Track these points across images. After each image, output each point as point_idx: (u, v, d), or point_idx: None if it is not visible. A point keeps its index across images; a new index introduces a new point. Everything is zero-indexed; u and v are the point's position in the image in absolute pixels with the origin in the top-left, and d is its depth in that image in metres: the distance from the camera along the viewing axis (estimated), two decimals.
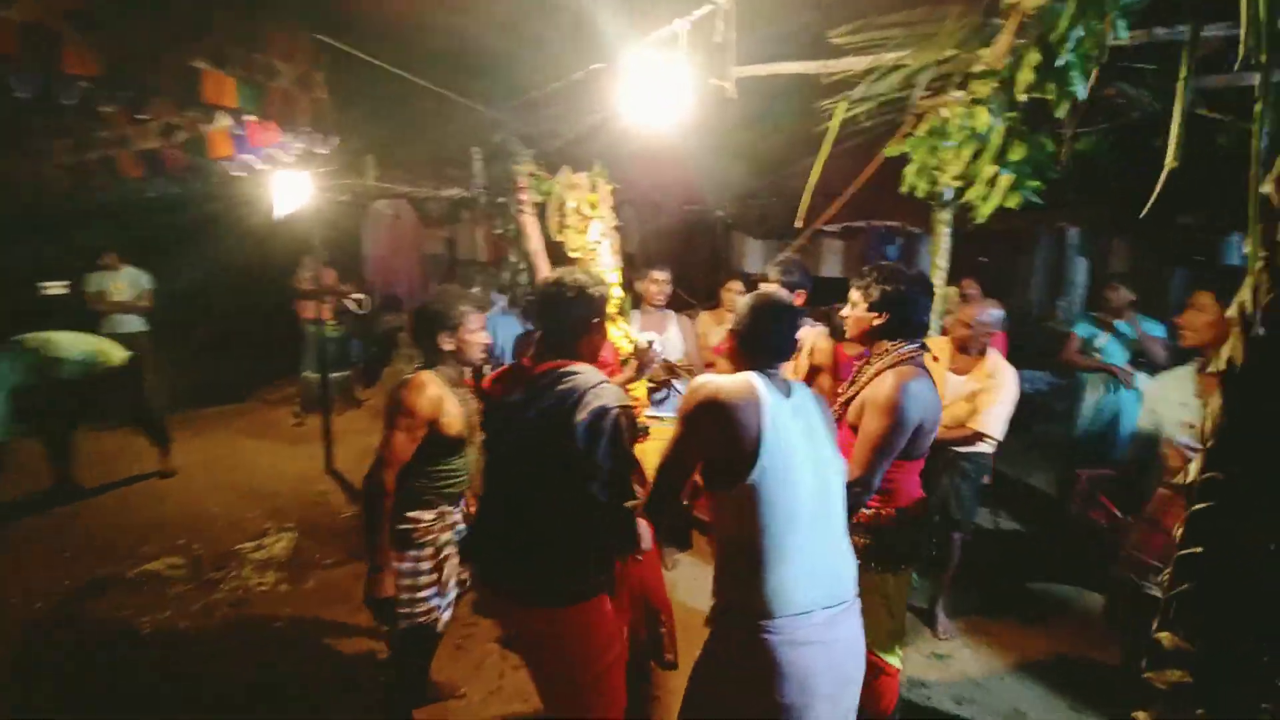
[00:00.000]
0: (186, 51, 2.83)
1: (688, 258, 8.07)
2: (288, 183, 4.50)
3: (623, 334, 2.57)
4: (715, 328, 3.79)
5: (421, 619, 2.09)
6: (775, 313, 1.61)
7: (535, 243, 2.40)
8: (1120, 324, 3.94)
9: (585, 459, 1.56)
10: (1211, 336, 2.28)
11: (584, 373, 1.68)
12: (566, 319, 1.72)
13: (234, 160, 3.88)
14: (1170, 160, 0.80)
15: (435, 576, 2.12)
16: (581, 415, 1.56)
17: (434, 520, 2.12)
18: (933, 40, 2.05)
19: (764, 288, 2.24)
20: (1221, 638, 0.55)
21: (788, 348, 1.62)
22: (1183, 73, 0.76)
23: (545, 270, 2.38)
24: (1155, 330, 3.93)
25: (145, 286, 5.77)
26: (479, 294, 5.20)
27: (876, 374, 1.90)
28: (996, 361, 2.79)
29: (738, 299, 3.67)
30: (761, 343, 1.60)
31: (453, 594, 2.23)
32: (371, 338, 8.49)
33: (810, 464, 1.46)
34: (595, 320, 1.76)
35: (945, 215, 3.27)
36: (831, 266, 8.77)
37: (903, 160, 2.66)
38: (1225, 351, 0.57)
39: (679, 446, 1.50)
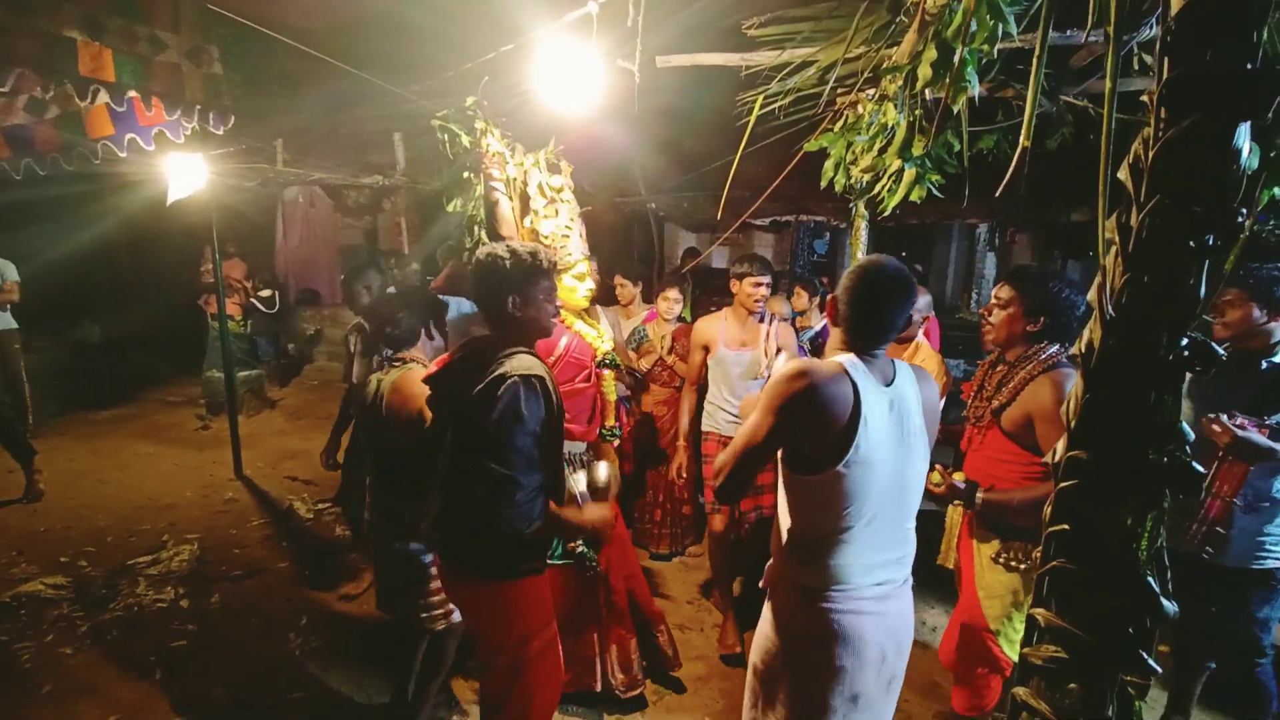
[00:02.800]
0: (53, 18, 2.53)
1: (621, 250, 8.05)
2: (181, 165, 4.13)
3: (597, 333, 2.44)
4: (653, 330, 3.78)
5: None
6: (883, 286, 1.40)
7: (508, 226, 2.26)
8: None
9: (480, 431, 1.52)
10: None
11: (495, 341, 1.62)
12: (488, 292, 1.64)
13: (117, 140, 3.52)
14: (1024, 139, 0.84)
15: None
16: (479, 386, 1.52)
17: None
18: (841, 37, 2.09)
19: (869, 260, 2.02)
20: (1090, 612, 0.58)
21: (895, 327, 1.43)
22: (1035, 66, 0.80)
23: None
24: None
25: (9, 278, 4.98)
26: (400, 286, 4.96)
27: (1031, 378, 1.87)
28: (923, 348, 2.90)
29: (675, 306, 3.72)
30: (864, 321, 1.41)
31: None
32: (288, 334, 8.01)
33: (894, 459, 1.38)
34: (529, 290, 1.64)
35: (862, 208, 3.40)
36: None
37: (826, 156, 2.72)
38: (1085, 334, 0.59)
39: (763, 432, 1.36)
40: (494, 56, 2.40)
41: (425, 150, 8.14)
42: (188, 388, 6.53)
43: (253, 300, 6.04)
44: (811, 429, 1.33)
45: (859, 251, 3.46)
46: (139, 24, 3.11)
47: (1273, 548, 1.99)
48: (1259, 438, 1.84)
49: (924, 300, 2.94)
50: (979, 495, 1.86)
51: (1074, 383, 1.77)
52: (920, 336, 2.92)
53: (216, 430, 5.47)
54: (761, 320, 2.99)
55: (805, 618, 1.43)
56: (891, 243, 8.16)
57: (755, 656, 1.57)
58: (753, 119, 2.40)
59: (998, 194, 1.28)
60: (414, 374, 1.99)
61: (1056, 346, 1.92)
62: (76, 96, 2.90)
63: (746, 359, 2.95)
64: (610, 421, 2.46)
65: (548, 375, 1.61)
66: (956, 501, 1.93)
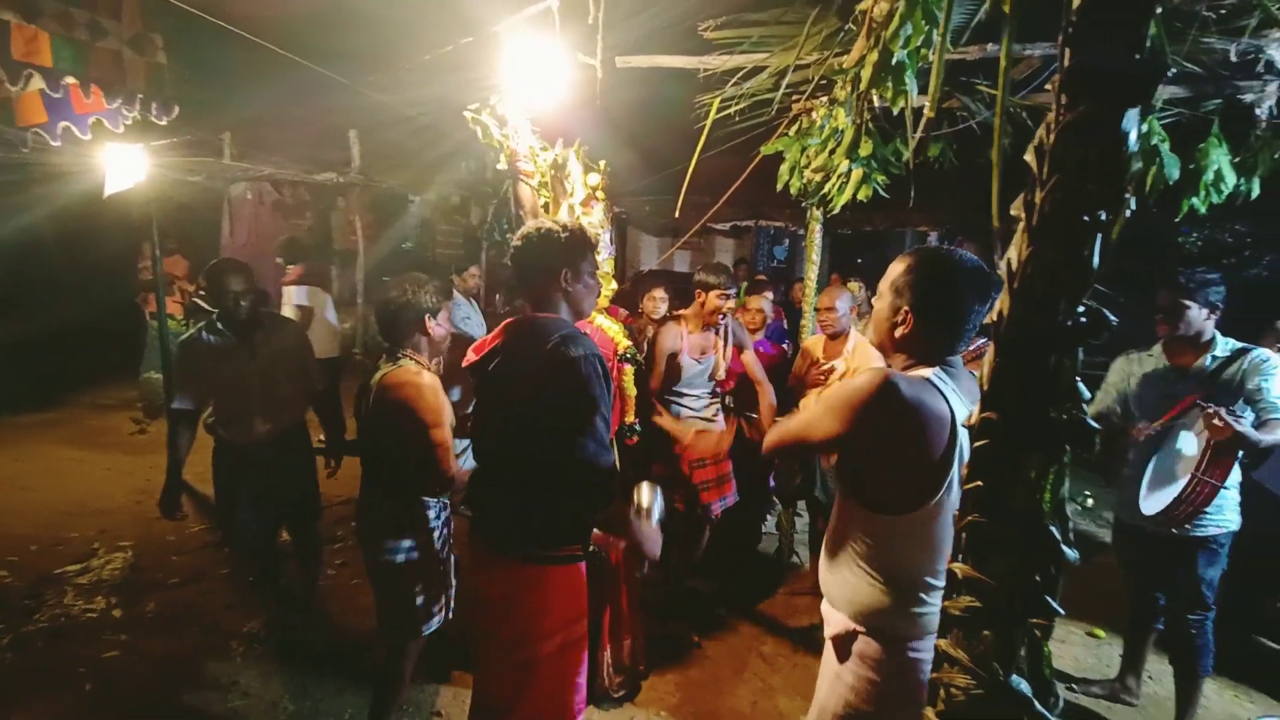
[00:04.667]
0: None
1: None
2: (120, 156, 3.94)
3: (619, 329, 2.43)
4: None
5: (439, 613, 2.10)
6: (965, 279, 1.16)
7: (534, 219, 2.19)
8: None
9: (555, 410, 1.46)
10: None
11: (552, 321, 1.57)
12: (540, 265, 1.58)
13: (50, 128, 3.35)
14: (929, 110, 0.89)
15: (445, 569, 2.12)
16: (536, 365, 1.47)
17: (438, 517, 2.13)
18: (794, 42, 2.16)
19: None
20: (1001, 563, 0.62)
21: (973, 331, 1.21)
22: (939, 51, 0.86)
23: None
24: None
25: None
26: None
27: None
28: (854, 340, 3.00)
29: (661, 305, 3.73)
30: (943, 324, 1.16)
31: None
32: None
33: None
34: (580, 265, 1.60)
35: (817, 212, 3.50)
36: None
37: (783, 160, 2.80)
38: (997, 305, 0.64)
39: (821, 433, 1.15)
40: (452, 49, 2.38)
41: (381, 146, 7.95)
42: (123, 390, 6.21)
43: (194, 300, 5.79)
44: (903, 452, 1.10)
45: (814, 255, 3.56)
46: (78, 8, 2.98)
47: (1213, 515, 2.22)
48: (1255, 433, 2.03)
49: (848, 296, 3.10)
50: None
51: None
52: (855, 332, 3.03)
53: (155, 434, 5.22)
54: (717, 332, 3.05)
55: (898, 667, 1.22)
56: (847, 249, 8.38)
57: (836, 705, 1.35)
58: (709, 121, 2.45)
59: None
60: (407, 370, 1.97)
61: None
62: (7, 81, 2.75)
63: (708, 365, 3.02)
64: (630, 418, 2.45)
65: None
66: None
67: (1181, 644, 2.36)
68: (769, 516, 3.93)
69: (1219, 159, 2.51)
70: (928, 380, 1.12)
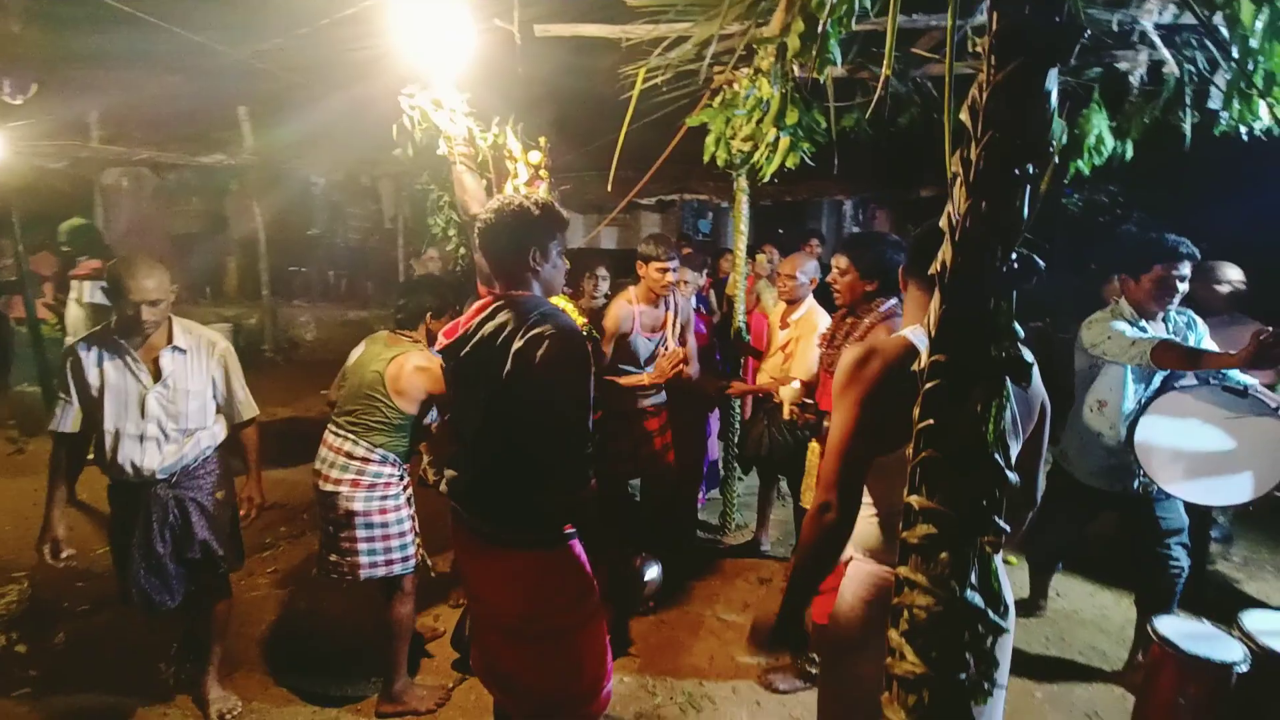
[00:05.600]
0: None
1: None
2: None
3: (573, 307, 2.38)
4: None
5: (413, 560, 2.34)
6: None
7: (478, 202, 2.06)
8: None
9: (524, 389, 1.42)
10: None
11: (529, 299, 1.52)
12: (511, 243, 1.52)
13: None
14: (886, 69, 0.93)
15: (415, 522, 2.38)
16: (518, 343, 1.42)
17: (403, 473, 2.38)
18: (716, 12, 2.18)
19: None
20: (952, 492, 0.68)
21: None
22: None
23: None
24: None
25: None
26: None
27: (870, 329, 2.13)
28: (809, 307, 3.09)
29: (603, 284, 3.70)
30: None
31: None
32: None
33: None
34: (549, 244, 1.55)
35: (743, 183, 3.57)
36: None
37: (708, 133, 2.83)
38: (940, 255, 0.69)
39: (850, 429, 1.21)
40: (354, 11, 2.23)
41: (279, 125, 7.34)
42: None
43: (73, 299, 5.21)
44: (894, 402, 1.14)
45: (741, 225, 3.64)
46: None
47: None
48: None
49: (811, 265, 3.17)
50: (825, 423, 2.15)
51: (858, 347, 2.04)
52: (810, 299, 3.14)
53: (35, 452, 4.70)
54: (666, 306, 3.08)
55: (879, 593, 1.31)
56: (770, 219, 8.59)
57: (851, 636, 1.40)
58: (635, 93, 2.44)
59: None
60: (411, 357, 2.28)
61: (893, 300, 2.22)
62: None
63: (658, 342, 3.07)
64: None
65: None
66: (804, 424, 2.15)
67: (1162, 586, 2.44)
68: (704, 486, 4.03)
69: (1099, 124, 2.75)
70: (906, 339, 1.27)
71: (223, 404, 2.29)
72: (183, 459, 2.17)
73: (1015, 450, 1.28)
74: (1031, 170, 0.62)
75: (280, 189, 8.36)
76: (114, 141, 6.87)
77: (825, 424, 2.19)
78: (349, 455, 2.26)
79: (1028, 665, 2.67)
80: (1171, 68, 2.49)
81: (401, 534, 2.31)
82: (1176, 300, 2.38)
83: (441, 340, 1.61)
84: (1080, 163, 2.87)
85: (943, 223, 0.69)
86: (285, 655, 2.69)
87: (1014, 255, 0.65)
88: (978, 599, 0.68)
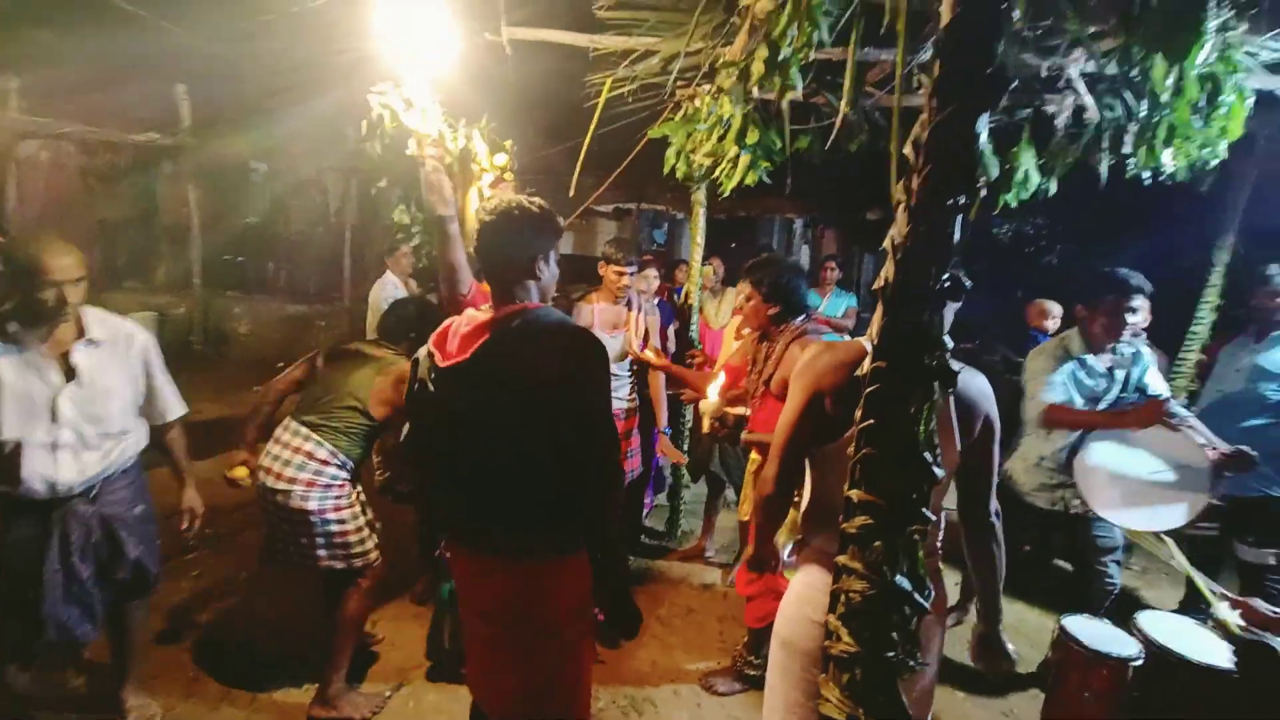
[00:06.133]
0: None
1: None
2: None
3: None
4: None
5: (374, 554, 2.30)
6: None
7: (451, 205, 1.98)
8: (833, 294, 4.95)
9: (566, 401, 1.38)
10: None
11: (543, 310, 1.47)
12: (513, 248, 1.45)
13: None
14: (845, 106, 1.02)
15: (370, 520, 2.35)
16: (556, 356, 1.38)
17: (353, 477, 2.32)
18: (683, 30, 2.26)
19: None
20: (887, 486, 0.75)
21: None
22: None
23: (452, 236, 1.98)
24: (851, 301, 5.01)
25: None
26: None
27: (785, 347, 2.21)
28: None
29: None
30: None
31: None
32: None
33: None
34: (550, 252, 1.51)
35: (700, 196, 3.68)
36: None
37: (667, 145, 2.91)
38: (884, 272, 0.76)
39: (795, 419, 1.37)
40: (324, 3, 2.19)
41: (220, 107, 7.01)
42: None
43: None
44: (843, 397, 1.29)
45: (698, 237, 3.74)
46: None
47: None
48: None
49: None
50: (743, 434, 2.26)
51: (817, 344, 2.22)
52: None
53: None
54: (629, 306, 3.17)
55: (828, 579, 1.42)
56: (723, 233, 8.80)
57: (789, 632, 1.51)
58: (601, 101, 2.49)
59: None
60: (399, 368, 2.26)
61: (800, 318, 2.35)
62: None
63: (620, 341, 3.12)
64: None
65: None
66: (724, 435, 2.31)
67: (1094, 596, 2.59)
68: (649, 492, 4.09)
69: (1028, 161, 2.98)
70: (863, 346, 1.36)
71: (143, 403, 2.06)
72: (106, 469, 1.93)
73: (951, 453, 1.37)
74: (963, 200, 0.70)
75: (218, 174, 7.97)
76: (36, 112, 6.41)
77: (744, 436, 2.28)
78: (309, 455, 2.20)
79: (951, 668, 2.83)
80: (1092, 113, 2.74)
81: (359, 529, 2.28)
82: (1126, 332, 2.54)
83: (447, 354, 1.49)
84: (1008, 196, 3.11)
85: (886, 243, 0.76)
86: (216, 659, 2.56)
87: (946, 275, 0.73)
88: (906, 583, 0.75)
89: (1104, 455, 2.44)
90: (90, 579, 1.91)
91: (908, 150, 0.73)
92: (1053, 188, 3.16)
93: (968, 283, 0.74)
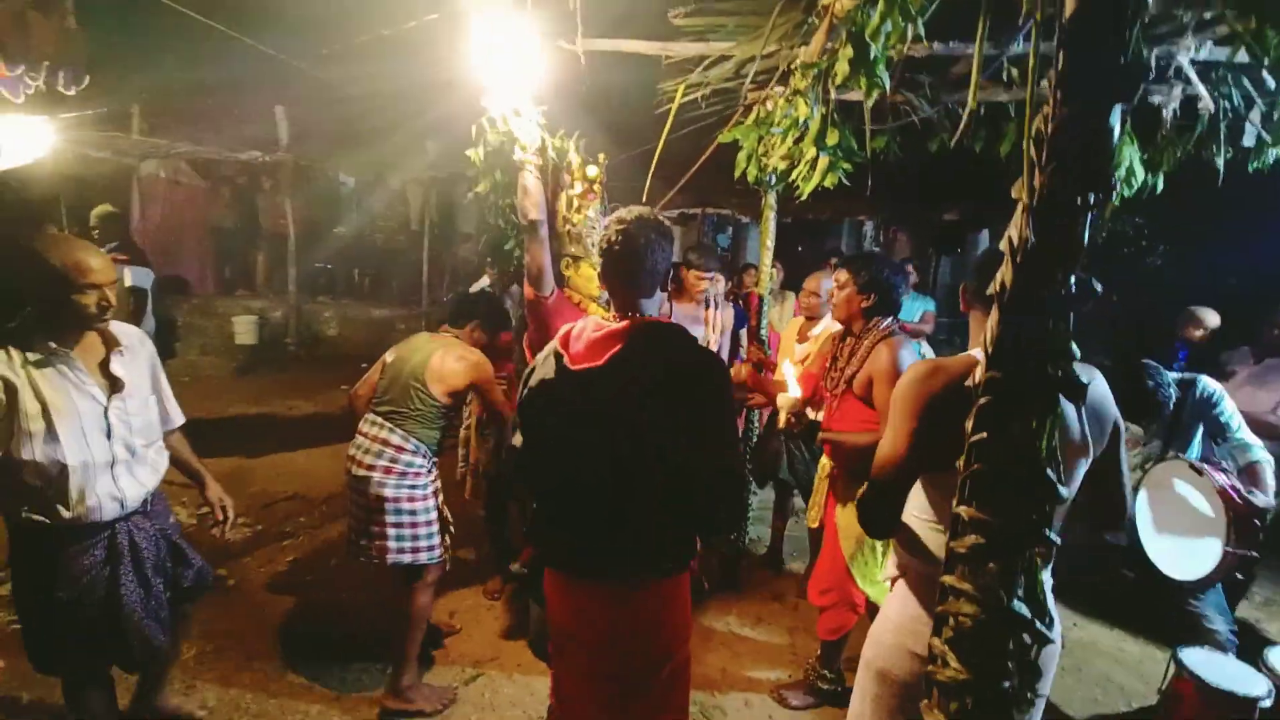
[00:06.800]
0: None
1: None
2: (19, 129, 3.58)
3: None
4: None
5: (440, 551, 2.40)
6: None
7: (537, 211, 2.09)
8: (910, 297, 4.81)
9: (697, 420, 1.37)
10: None
11: (668, 325, 1.47)
12: (643, 260, 1.44)
13: None
14: (971, 103, 0.97)
15: (438, 514, 2.43)
16: (688, 373, 1.38)
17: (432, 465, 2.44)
18: (759, 33, 2.23)
19: None
20: (1002, 504, 0.71)
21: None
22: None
23: (542, 240, 2.09)
24: (928, 305, 4.81)
25: None
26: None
27: (872, 347, 2.16)
28: (828, 324, 3.13)
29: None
30: None
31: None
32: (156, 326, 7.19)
33: None
34: (668, 262, 1.51)
35: (771, 200, 3.62)
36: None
37: (734, 153, 2.88)
38: (999, 276, 0.72)
39: (905, 440, 1.24)
40: (415, 25, 2.30)
41: (314, 125, 7.50)
42: None
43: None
44: (955, 418, 1.21)
45: (768, 240, 3.67)
46: None
47: None
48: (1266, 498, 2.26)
49: (831, 282, 3.21)
50: (820, 433, 2.17)
51: (905, 348, 2.12)
52: (829, 315, 3.16)
53: None
54: (706, 305, 3.30)
55: (933, 595, 1.33)
56: (790, 237, 8.64)
57: (884, 662, 1.43)
58: (674, 107, 2.49)
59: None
60: (454, 348, 2.42)
61: (890, 319, 2.26)
62: None
63: (698, 336, 3.18)
64: None
65: None
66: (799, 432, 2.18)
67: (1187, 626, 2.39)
68: None
69: (1131, 155, 2.76)
70: (973, 358, 1.25)
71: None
72: (158, 479, 1.87)
73: (1084, 463, 1.28)
74: (1094, 199, 0.66)
75: (311, 187, 8.55)
76: (152, 133, 7.07)
77: (821, 434, 2.21)
78: (384, 443, 2.32)
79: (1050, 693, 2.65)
80: (1206, 103, 2.51)
81: (429, 523, 2.36)
82: None
83: (577, 359, 1.47)
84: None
85: (1003, 245, 0.72)
86: (299, 644, 2.73)
87: (1073, 279, 0.68)
88: (1024, 609, 0.70)
89: (1153, 497, 2.35)
90: (161, 590, 1.88)
91: (1028, 145, 0.69)
92: (1159, 184, 2.92)
93: (1099, 287, 0.69)
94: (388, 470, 2.30)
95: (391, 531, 2.30)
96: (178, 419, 2.03)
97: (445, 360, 2.37)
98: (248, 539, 3.54)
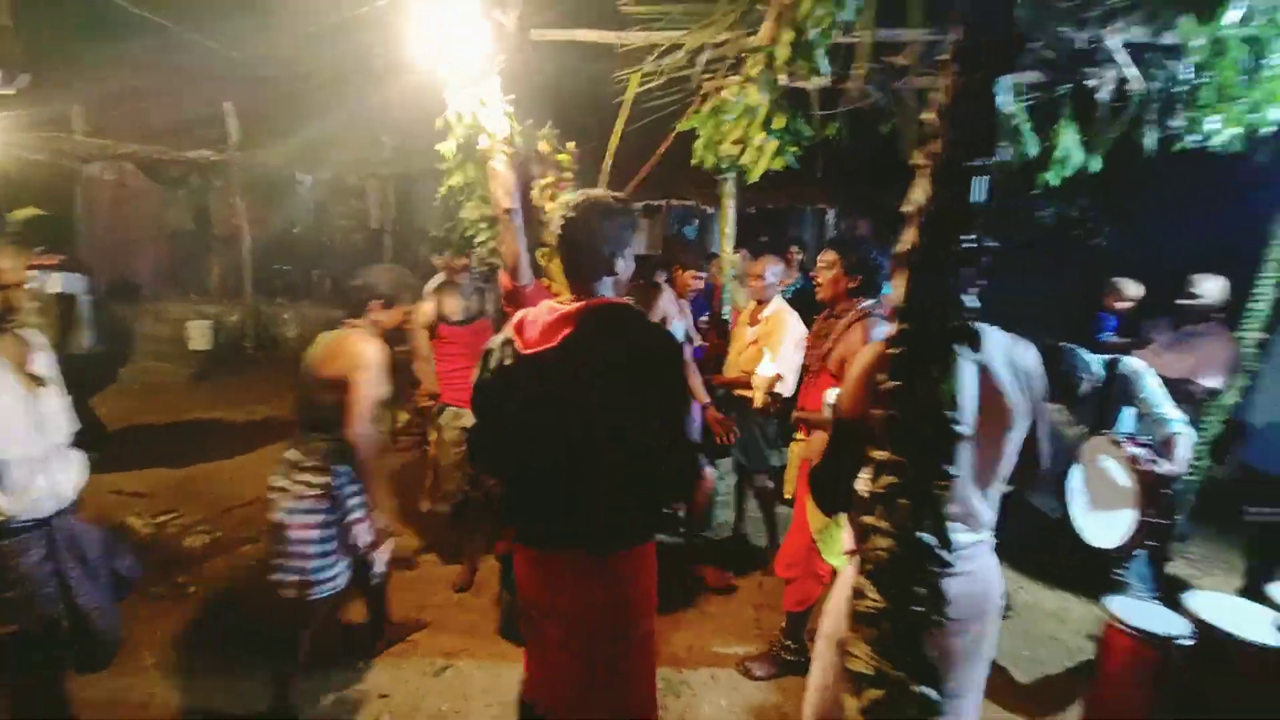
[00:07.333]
0: None
1: None
2: None
3: None
4: None
5: (327, 589, 2.11)
6: None
7: (509, 199, 2.08)
8: None
9: (654, 397, 1.41)
10: None
11: (623, 306, 1.50)
12: (594, 242, 1.46)
13: None
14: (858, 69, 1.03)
15: (338, 542, 2.14)
16: (644, 352, 1.42)
17: (348, 485, 2.15)
18: (709, 20, 2.28)
19: None
20: (912, 445, 0.77)
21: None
22: None
23: (516, 229, 2.07)
24: (889, 290, 4.97)
25: None
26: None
27: (848, 327, 2.22)
28: (777, 306, 3.20)
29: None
30: None
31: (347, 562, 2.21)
32: (102, 333, 6.92)
33: (982, 419, 1.29)
34: (626, 243, 1.51)
35: (729, 188, 3.69)
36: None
37: (696, 139, 2.94)
38: (906, 239, 0.78)
39: (856, 407, 1.24)
40: (367, 10, 2.28)
41: (265, 122, 7.31)
42: None
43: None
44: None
45: (727, 228, 3.75)
46: None
47: None
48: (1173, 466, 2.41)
49: (779, 266, 3.30)
50: (795, 413, 2.26)
51: (879, 327, 2.21)
52: (779, 299, 3.25)
53: None
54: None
55: None
56: (753, 226, 8.74)
57: (834, 628, 1.49)
58: (629, 97, 2.53)
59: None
60: (345, 340, 2.15)
61: (871, 301, 2.34)
62: None
63: (680, 330, 3.26)
64: None
65: None
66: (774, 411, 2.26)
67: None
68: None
69: (1069, 138, 2.89)
70: None
71: None
72: (82, 479, 1.86)
73: (1021, 427, 1.33)
74: (984, 163, 0.72)
75: (265, 186, 8.32)
76: (98, 135, 6.80)
77: (795, 414, 2.30)
78: (284, 459, 2.14)
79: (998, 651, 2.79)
80: (1136, 84, 2.64)
81: (323, 555, 2.11)
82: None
83: (529, 343, 1.48)
84: (1050, 175, 3.02)
85: (908, 208, 0.78)
86: (260, 651, 2.60)
87: (968, 238, 0.75)
88: (930, 538, 0.77)
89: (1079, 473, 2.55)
90: (107, 581, 1.87)
91: (929, 116, 0.75)
92: (1096, 165, 3.06)
93: (992, 244, 0.75)
94: (283, 490, 2.10)
95: (279, 562, 2.09)
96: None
97: (333, 353, 2.13)
98: (206, 545, 3.48)
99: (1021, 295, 2.80)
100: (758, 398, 2.82)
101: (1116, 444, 2.35)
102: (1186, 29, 1.57)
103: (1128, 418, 2.61)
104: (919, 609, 0.76)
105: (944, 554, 0.77)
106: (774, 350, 3.06)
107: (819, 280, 2.47)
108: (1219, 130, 2.44)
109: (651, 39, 2.56)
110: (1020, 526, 2.88)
